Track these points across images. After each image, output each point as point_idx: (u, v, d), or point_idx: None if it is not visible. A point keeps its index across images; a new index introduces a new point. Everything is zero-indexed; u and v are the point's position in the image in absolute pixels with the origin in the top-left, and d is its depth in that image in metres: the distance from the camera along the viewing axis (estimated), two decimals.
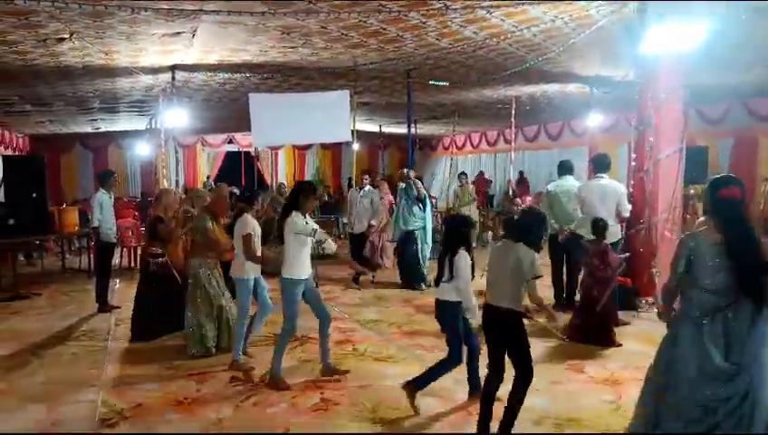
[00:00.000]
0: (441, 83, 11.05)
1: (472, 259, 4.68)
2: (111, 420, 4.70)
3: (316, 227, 5.40)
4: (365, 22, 7.19)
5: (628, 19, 7.09)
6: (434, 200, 14.89)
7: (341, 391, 5.22)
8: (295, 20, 7.02)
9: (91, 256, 10.47)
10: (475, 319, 4.53)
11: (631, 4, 6.87)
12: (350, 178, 22.79)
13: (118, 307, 8.29)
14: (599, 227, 6.65)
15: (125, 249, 12.03)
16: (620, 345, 6.40)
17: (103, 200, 8.49)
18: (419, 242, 9.83)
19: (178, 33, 7.52)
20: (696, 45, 6.43)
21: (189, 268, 6.37)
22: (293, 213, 5.29)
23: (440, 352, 6.29)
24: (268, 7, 6.54)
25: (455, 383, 5.33)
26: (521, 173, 19.92)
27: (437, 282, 4.82)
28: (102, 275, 8.48)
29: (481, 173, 20.98)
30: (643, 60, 7.23)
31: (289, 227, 5.28)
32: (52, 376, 5.74)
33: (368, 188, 10.64)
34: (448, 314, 4.76)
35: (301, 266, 5.33)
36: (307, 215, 5.42)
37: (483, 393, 4.30)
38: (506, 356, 4.20)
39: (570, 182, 8.15)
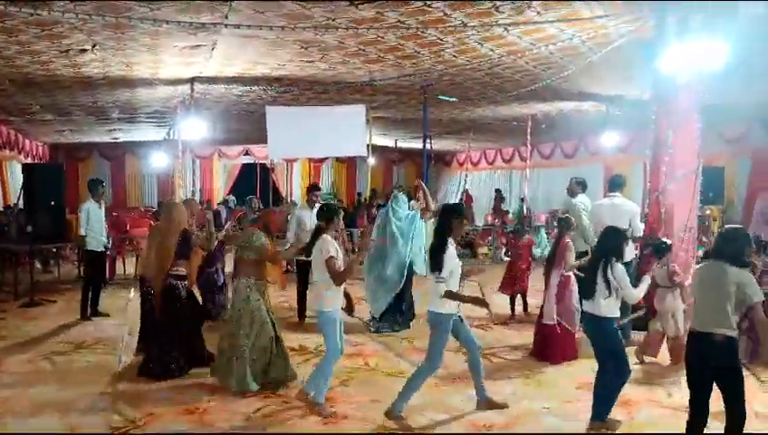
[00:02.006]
0: (451, 99, 10.95)
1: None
2: (124, 429, 4.73)
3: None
4: (383, 38, 7.26)
5: (647, 38, 7.07)
6: None
7: (351, 405, 5.21)
8: (314, 35, 7.10)
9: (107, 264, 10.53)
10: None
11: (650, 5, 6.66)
12: (359, 194, 22.74)
13: (89, 319, 8.32)
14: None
15: (135, 258, 12.04)
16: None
17: (90, 209, 8.54)
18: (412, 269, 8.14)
19: (198, 45, 7.62)
20: (716, 65, 6.38)
21: (237, 290, 5.72)
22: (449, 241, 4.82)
23: (453, 371, 6.29)
24: (287, 22, 6.62)
25: (468, 400, 5.31)
26: (497, 191, 19.70)
27: (587, 297, 4.60)
28: (88, 284, 8.51)
29: (465, 191, 20.62)
30: (660, 79, 7.20)
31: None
32: (66, 383, 5.78)
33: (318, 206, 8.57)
34: (607, 330, 4.53)
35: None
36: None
37: None
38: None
39: (583, 199, 8.11)
